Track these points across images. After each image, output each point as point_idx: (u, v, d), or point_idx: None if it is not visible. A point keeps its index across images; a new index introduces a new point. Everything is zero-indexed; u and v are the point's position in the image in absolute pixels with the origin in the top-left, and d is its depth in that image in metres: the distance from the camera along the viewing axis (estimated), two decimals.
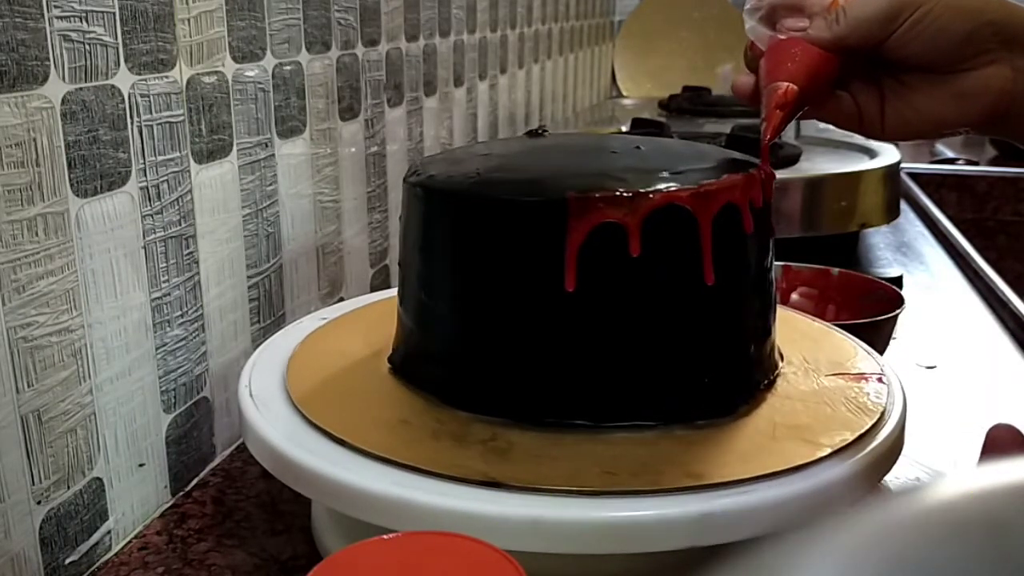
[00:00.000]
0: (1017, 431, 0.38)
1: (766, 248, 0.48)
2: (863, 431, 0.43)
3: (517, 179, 0.46)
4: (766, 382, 0.48)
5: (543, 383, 0.45)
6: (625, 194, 0.43)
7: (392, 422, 0.45)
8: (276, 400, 0.46)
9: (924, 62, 0.48)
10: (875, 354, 0.52)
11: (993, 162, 1.63)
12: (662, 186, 0.43)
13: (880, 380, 0.48)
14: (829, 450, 0.41)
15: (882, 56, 0.48)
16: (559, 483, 0.39)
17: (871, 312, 0.66)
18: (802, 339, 0.54)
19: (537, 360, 0.45)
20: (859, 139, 1.10)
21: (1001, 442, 0.37)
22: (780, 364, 0.50)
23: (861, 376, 0.49)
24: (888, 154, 1.04)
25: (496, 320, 0.45)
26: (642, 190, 0.43)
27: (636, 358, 0.44)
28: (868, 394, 0.47)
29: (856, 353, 0.52)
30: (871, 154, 1.06)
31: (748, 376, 0.47)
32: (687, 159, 0.49)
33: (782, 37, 0.50)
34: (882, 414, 0.45)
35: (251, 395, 0.47)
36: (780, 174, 0.48)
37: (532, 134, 0.57)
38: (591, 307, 0.43)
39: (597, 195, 0.42)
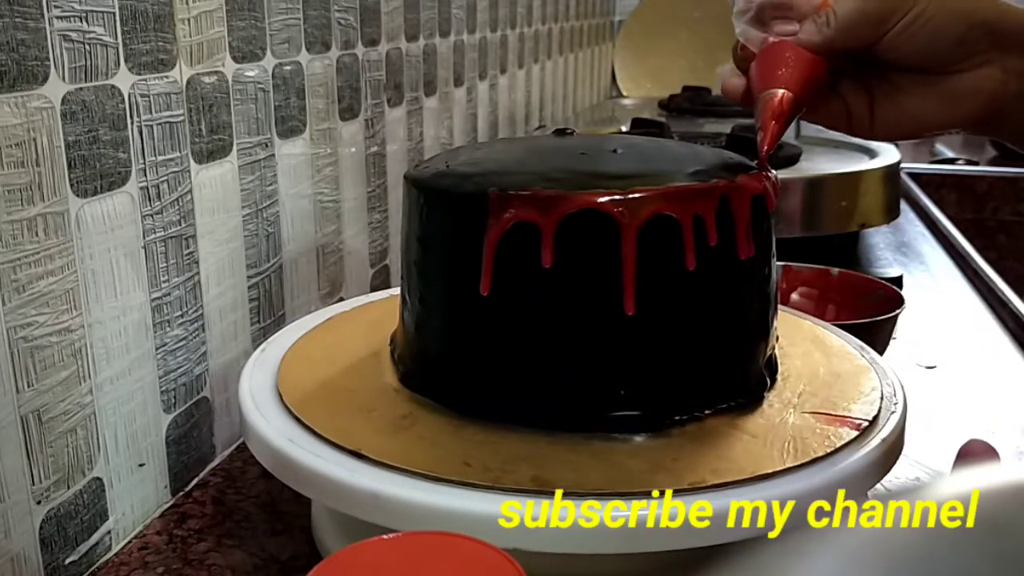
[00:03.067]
0: (990, 447, 0.37)
1: (744, 268, 0.44)
2: (765, 472, 0.39)
3: (465, 173, 0.46)
4: (718, 408, 0.44)
5: (454, 371, 0.46)
6: (543, 193, 0.41)
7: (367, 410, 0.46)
8: (276, 400, 0.46)
9: (915, 64, 0.47)
10: (895, 397, 0.47)
11: (993, 162, 1.63)
12: (596, 189, 0.41)
13: (857, 427, 0.43)
14: (692, 485, 0.38)
15: (873, 58, 0.47)
16: (408, 464, 0.39)
17: (871, 312, 0.66)
18: (827, 373, 0.49)
19: (451, 349, 0.46)
20: (860, 139, 1.10)
21: (974, 458, 0.37)
22: (759, 392, 0.46)
23: (839, 419, 0.44)
24: (888, 154, 1.04)
25: (424, 304, 0.47)
26: (557, 190, 0.41)
27: (541, 363, 0.43)
28: (827, 438, 0.42)
29: (865, 396, 0.46)
30: (871, 154, 1.06)
31: (687, 400, 0.44)
32: (667, 162, 0.47)
33: (772, 40, 0.49)
34: (815, 460, 0.40)
35: (251, 395, 0.47)
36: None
37: (559, 133, 0.57)
38: (502, 304, 0.43)
39: (514, 192, 0.41)
